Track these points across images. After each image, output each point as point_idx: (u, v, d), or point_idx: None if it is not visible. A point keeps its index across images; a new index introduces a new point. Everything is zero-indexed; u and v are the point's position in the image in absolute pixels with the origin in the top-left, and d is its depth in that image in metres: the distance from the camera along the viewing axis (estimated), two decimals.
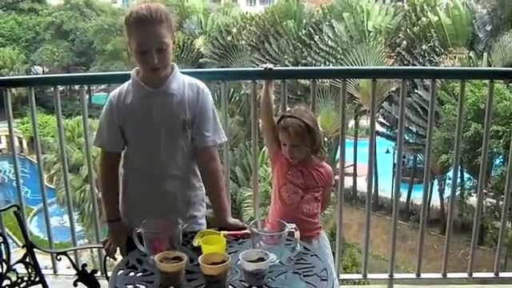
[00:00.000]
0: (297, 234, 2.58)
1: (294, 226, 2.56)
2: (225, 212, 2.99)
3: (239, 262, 2.34)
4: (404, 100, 3.75)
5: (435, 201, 25.75)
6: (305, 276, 2.42)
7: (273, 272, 2.39)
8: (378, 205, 26.39)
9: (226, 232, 2.70)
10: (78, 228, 21.61)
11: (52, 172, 24.42)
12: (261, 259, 2.33)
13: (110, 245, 2.90)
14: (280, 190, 3.22)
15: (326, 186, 3.30)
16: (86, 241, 21.29)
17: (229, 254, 2.40)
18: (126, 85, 2.90)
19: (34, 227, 22.53)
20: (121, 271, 2.48)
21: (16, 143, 33.65)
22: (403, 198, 26.48)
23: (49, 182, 24.09)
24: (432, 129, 3.82)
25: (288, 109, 3.48)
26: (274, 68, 3.55)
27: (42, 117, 30.74)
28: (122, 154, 2.95)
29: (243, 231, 2.77)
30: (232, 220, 2.97)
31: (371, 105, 3.93)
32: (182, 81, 2.88)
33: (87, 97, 39.26)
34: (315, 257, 2.59)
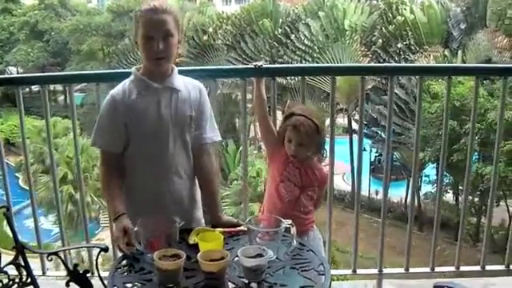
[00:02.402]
0: (293, 230, 2.60)
1: (290, 221, 2.58)
2: (218, 209, 3.02)
3: (237, 258, 2.35)
4: (392, 97, 3.77)
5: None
6: (302, 271, 2.45)
7: (270, 267, 2.41)
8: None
9: (221, 229, 2.71)
10: (56, 229, 21.44)
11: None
12: (259, 255, 2.34)
13: (121, 239, 2.63)
14: (278, 187, 3.21)
15: (320, 187, 3.30)
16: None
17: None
18: (126, 82, 2.90)
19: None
20: (118, 270, 2.48)
21: None
22: (380, 196, 26.64)
23: (25, 184, 23.82)
24: (419, 125, 3.87)
25: (288, 105, 3.49)
26: (265, 65, 3.56)
27: (18, 118, 30.35)
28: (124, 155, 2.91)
29: (238, 228, 2.79)
30: (225, 217, 2.99)
31: (360, 103, 3.94)
32: (182, 80, 2.93)
33: (62, 97, 38.91)
34: (311, 252, 2.62)
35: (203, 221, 3.08)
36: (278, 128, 3.30)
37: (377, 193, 27.25)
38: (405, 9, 29.48)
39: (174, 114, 2.84)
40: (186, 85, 2.92)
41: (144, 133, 2.83)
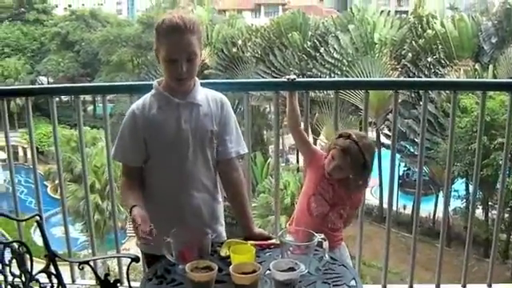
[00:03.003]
0: (325, 245, 2.57)
1: (322, 236, 2.56)
2: (250, 221, 2.98)
3: (269, 271, 2.33)
4: (426, 112, 3.76)
5: (441, 212, 25.65)
6: (334, 286, 2.42)
7: (302, 282, 2.39)
8: (382, 217, 26.30)
9: (252, 242, 2.69)
10: (82, 238, 21.62)
11: (57, 182, 24.35)
12: (291, 269, 2.32)
13: (140, 226, 2.50)
14: (309, 200, 3.19)
15: (352, 208, 3.27)
16: (91, 251, 21.21)
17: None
18: (147, 96, 2.87)
19: (38, 237, 22.52)
20: (150, 281, 2.47)
21: (20, 153, 33.74)
22: (408, 211, 26.45)
23: (53, 193, 24.04)
24: (453, 141, 3.83)
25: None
26: (297, 79, 3.55)
27: (47, 127, 30.76)
28: (144, 167, 2.89)
29: (270, 241, 2.78)
30: (257, 230, 2.97)
31: (393, 118, 3.90)
32: (204, 93, 2.88)
33: (91, 107, 39.29)
34: (343, 267, 2.59)
35: (224, 234, 3.05)
36: (329, 143, 3.24)
37: (404, 207, 27.01)
38: (435, 22, 29.38)
39: (195, 129, 2.80)
40: (207, 98, 2.87)
41: (163, 147, 2.81)
